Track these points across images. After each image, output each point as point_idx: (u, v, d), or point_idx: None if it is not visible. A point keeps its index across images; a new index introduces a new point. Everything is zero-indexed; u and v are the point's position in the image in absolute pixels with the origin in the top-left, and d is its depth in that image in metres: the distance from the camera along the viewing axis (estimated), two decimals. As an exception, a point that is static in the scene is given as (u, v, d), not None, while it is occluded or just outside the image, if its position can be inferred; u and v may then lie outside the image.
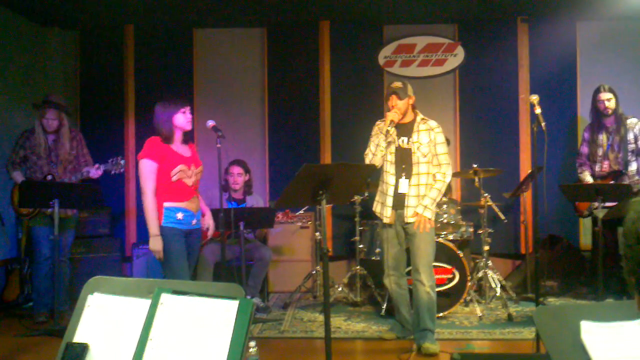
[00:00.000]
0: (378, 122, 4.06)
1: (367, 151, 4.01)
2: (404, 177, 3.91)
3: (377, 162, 3.93)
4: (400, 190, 3.92)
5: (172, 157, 3.72)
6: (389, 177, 3.95)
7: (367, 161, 3.98)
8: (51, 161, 4.73)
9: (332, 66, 6.18)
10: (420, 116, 4.01)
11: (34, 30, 5.98)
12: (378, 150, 3.92)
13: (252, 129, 6.29)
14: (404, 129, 3.96)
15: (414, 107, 4.01)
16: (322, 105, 6.15)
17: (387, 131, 3.87)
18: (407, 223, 3.91)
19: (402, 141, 3.94)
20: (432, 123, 3.98)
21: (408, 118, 3.97)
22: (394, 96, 3.89)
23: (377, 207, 4.07)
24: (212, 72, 6.32)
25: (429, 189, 3.89)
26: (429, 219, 3.86)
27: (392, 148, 3.95)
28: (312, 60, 6.19)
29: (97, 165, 4.56)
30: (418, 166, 3.91)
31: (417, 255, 3.89)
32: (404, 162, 3.92)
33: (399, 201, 3.93)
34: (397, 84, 3.94)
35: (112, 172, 4.57)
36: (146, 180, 3.67)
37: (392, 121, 3.85)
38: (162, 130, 3.74)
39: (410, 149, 3.92)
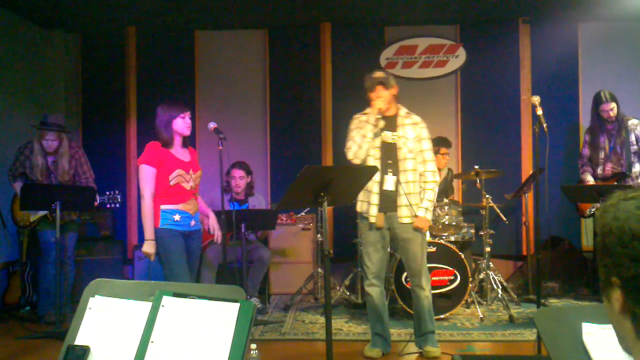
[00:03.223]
0: (357, 116, 3.85)
1: (350, 144, 3.75)
2: (390, 174, 3.71)
3: (362, 154, 3.70)
4: (385, 187, 3.72)
5: (170, 161, 3.74)
6: None
7: (349, 155, 3.74)
8: (50, 182, 4.75)
9: (333, 68, 6.18)
10: (403, 110, 3.85)
11: (36, 33, 6.00)
12: (364, 141, 3.69)
13: (253, 131, 6.29)
14: (388, 123, 3.77)
15: (396, 100, 3.85)
16: (324, 107, 6.15)
17: (376, 120, 3.67)
18: (401, 224, 3.75)
19: (387, 135, 3.76)
20: (417, 117, 3.83)
21: (391, 111, 3.79)
22: (380, 86, 3.68)
23: (362, 207, 3.81)
24: (213, 73, 6.33)
25: (417, 186, 3.75)
26: (429, 221, 3.80)
27: (377, 142, 3.73)
28: (313, 62, 6.19)
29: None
30: (405, 162, 3.73)
31: (415, 261, 3.78)
32: (390, 157, 3.73)
33: (387, 201, 3.74)
34: (381, 74, 3.74)
35: (108, 206, 4.68)
36: (145, 185, 3.71)
37: (379, 109, 3.67)
38: (161, 134, 3.77)
39: (395, 144, 3.75)
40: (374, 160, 3.73)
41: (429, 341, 3.79)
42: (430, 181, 3.79)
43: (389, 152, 3.75)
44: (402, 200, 3.73)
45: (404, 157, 3.73)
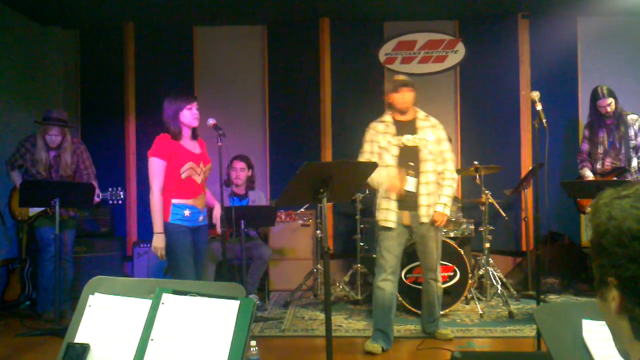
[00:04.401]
0: (373, 125, 3.96)
1: (368, 157, 3.88)
2: (411, 176, 3.84)
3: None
4: (407, 188, 3.83)
5: (181, 154, 3.70)
6: None
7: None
8: (51, 177, 4.75)
9: (332, 63, 6.17)
10: (421, 113, 3.99)
11: (34, 29, 5.98)
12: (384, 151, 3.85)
13: (252, 127, 6.29)
14: (407, 126, 3.91)
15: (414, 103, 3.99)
16: (323, 103, 6.15)
17: (394, 128, 3.86)
18: (422, 223, 3.87)
19: (407, 139, 3.89)
20: (434, 120, 3.99)
21: (410, 115, 3.94)
22: (406, 89, 3.86)
23: (387, 215, 3.89)
24: (212, 69, 6.32)
25: (436, 186, 3.89)
26: (447, 215, 3.95)
27: (395, 150, 3.85)
28: (312, 58, 6.18)
29: (97, 192, 4.63)
30: (426, 164, 3.86)
31: (433, 256, 3.95)
32: (411, 160, 3.85)
33: (409, 201, 3.86)
34: (403, 77, 3.88)
35: (110, 202, 4.73)
36: (154, 178, 3.66)
37: (402, 108, 3.88)
38: (169, 126, 3.72)
39: (417, 147, 3.87)
40: (393, 163, 3.84)
41: (440, 325, 4.10)
42: (448, 177, 3.93)
43: (411, 155, 3.86)
44: (422, 201, 3.86)
45: (425, 158, 3.86)
